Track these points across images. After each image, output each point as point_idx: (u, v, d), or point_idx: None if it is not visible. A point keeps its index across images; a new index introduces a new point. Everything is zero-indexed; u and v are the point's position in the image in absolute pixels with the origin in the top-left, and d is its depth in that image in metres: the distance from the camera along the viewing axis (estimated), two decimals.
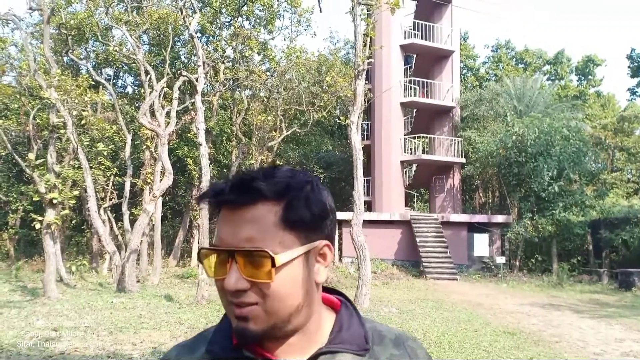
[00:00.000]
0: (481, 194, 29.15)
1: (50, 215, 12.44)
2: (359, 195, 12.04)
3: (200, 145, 12.83)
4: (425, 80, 24.55)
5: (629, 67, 29.64)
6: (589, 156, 21.59)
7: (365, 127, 25.12)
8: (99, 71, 22.39)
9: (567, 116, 22.07)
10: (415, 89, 24.52)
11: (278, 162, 23.08)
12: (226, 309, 0.82)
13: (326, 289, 0.97)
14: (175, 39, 21.54)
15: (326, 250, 0.85)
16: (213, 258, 0.79)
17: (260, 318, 0.77)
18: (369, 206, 22.93)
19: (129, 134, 17.70)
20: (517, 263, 20.20)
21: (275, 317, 0.79)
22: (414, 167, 26.69)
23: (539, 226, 19.89)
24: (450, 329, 8.93)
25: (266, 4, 21.65)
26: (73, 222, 21.09)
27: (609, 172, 27.79)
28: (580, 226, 19.19)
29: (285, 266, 0.78)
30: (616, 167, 29.16)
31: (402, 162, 23.52)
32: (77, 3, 18.97)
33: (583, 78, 39.93)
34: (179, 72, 17.26)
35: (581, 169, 20.93)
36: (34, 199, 13.97)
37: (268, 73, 23.04)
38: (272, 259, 0.76)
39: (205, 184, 12.48)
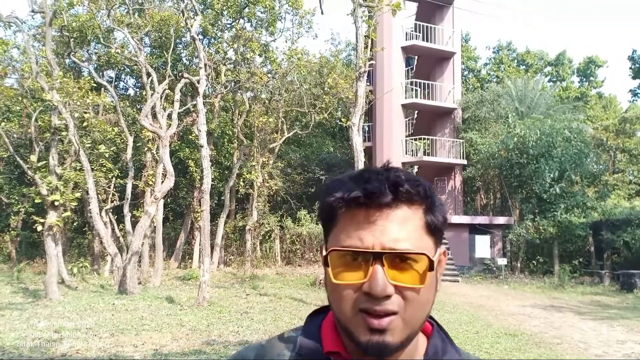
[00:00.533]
0: (482, 196, 29.13)
1: (52, 217, 12.46)
2: None
3: (202, 147, 12.85)
4: (426, 81, 24.56)
5: (630, 68, 29.62)
6: (591, 158, 21.58)
7: (367, 128, 25.13)
8: (100, 73, 22.43)
9: (569, 117, 22.06)
10: (416, 90, 24.54)
11: (279, 164, 23.11)
12: (351, 320, 0.73)
13: None
14: (177, 41, 21.57)
15: (443, 257, 0.82)
16: (348, 260, 0.73)
17: (398, 329, 0.72)
18: None
19: (131, 136, 17.72)
20: (519, 265, 20.18)
21: (411, 328, 0.74)
22: (416, 168, 26.68)
23: (541, 228, 19.88)
24: (451, 331, 8.92)
25: (268, 6, 21.68)
26: (75, 224, 21.10)
27: (611, 173, 27.75)
28: (582, 228, 19.17)
29: (432, 270, 0.75)
30: (618, 169, 29.11)
31: (403, 164, 23.50)
32: (79, 5, 18.99)
33: (584, 79, 39.93)
34: (180, 74, 17.28)
35: (583, 170, 20.92)
36: (36, 201, 14.00)
37: (269, 75, 23.06)
38: (431, 262, 0.74)
39: (206, 186, 12.49)
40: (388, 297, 0.71)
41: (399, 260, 0.72)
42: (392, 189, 0.74)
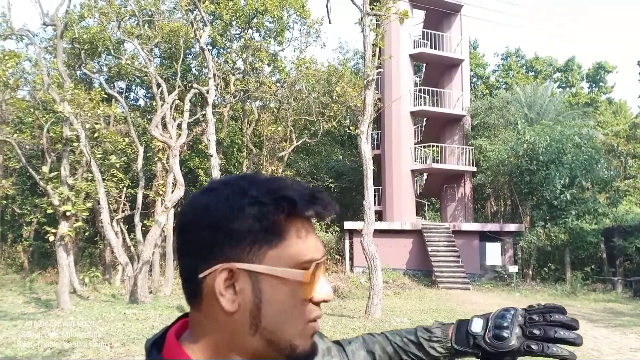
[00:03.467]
0: (493, 203, 28.98)
1: (64, 227, 12.57)
2: (369, 204, 12.05)
3: (211, 156, 12.93)
4: (435, 89, 24.56)
5: None
6: (601, 163, 21.40)
7: (376, 136, 25.14)
8: (111, 84, 22.68)
9: (579, 123, 21.94)
10: (425, 98, 24.54)
11: (288, 172, 23.16)
12: (300, 334, 0.73)
13: None
14: (186, 51, 21.76)
15: None
16: (317, 272, 0.73)
17: None
18: (379, 216, 22.89)
19: (141, 146, 17.86)
20: (530, 272, 20.03)
21: None
22: (425, 176, 26.63)
23: (552, 234, 19.73)
24: None
25: (276, 15, 21.83)
26: (86, 233, 21.23)
27: (622, 179, 27.51)
28: (594, 234, 19.00)
29: None
30: (629, 175, 28.86)
31: (412, 171, 23.49)
32: (89, 18, 19.26)
33: (594, 85, 39.70)
34: (190, 84, 17.43)
35: (593, 176, 20.76)
36: (48, 211, 14.17)
37: (278, 84, 23.20)
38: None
39: None
40: None
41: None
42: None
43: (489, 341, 0.98)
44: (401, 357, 1.07)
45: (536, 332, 0.94)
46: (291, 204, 0.71)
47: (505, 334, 0.96)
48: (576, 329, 0.96)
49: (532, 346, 0.94)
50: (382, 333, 1.13)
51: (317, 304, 0.74)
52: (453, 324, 1.08)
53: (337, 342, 1.03)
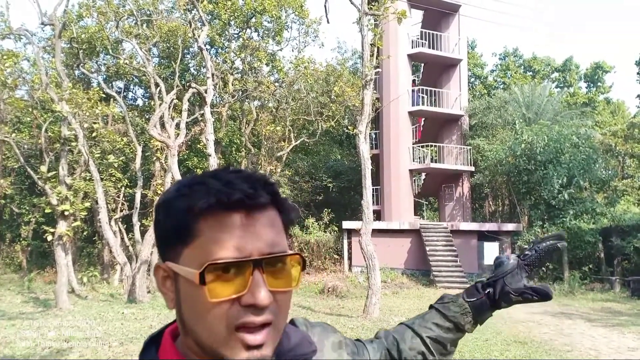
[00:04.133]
0: (491, 202, 29.01)
1: (62, 226, 12.57)
2: (367, 204, 12.06)
3: (210, 156, 12.94)
4: (433, 89, 24.58)
5: (638, 73, 29.46)
6: (599, 163, 21.42)
7: (374, 136, 25.15)
8: (109, 84, 22.67)
9: (577, 123, 21.96)
10: (423, 97, 24.55)
11: (287, 172, 23.18)
12: (225, 342, 0.66)
13: None
14: (185, 51, 21.75)
15: None
16: (222, 274, 0.65)
17: (272, 340, 0.68)
18: (378, 215, 22.90)
19: (140, 145, 17.85)
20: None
21: (279, 334, 0.70)
22: (423, 175, 26.65)
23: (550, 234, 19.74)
24: (460, 339, 8.88)
25: (274, 15, 21.83)
26: (84, 233, 21.23)
27: (620, 179, 27.56)
28: (591, 234, 19.03)
29: (304, 269, 0.73)
30: (627, 174, 28.91)
31: (410, 171, 23.50)
32: (88, 17, 19.24)
33: (592, 85, 39.76)
34: (188, 84, 17.43)
35: (591, 176, 20.78)
36: (46, 210, 14.16)
37: (276, 84, 23.20)
38: (304, 261, 0.71)
39: None
40: (265, 307, 0.66)
41: (274, 265, 0.68)
42: (265, 189, 0.70)
43: (493, 274, 1.12)
44: (422, 336, 1.07)
45: (526, 246, 1.15)
46: (196, 198, 0.67)
47: (503, 260, 1.13)
48: (562, 237, 1.20)
49: (527, 252, 1.15)
50: (399, 324, 1.14)
51: (248, 307, 0.65)
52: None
53: (359, 340, 1.03)
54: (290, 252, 0.70)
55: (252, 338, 0.65)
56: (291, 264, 0.70)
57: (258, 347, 0.65)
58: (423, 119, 26.35)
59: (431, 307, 1.14)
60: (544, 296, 1.08)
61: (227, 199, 0.66)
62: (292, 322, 0.90)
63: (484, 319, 1.12)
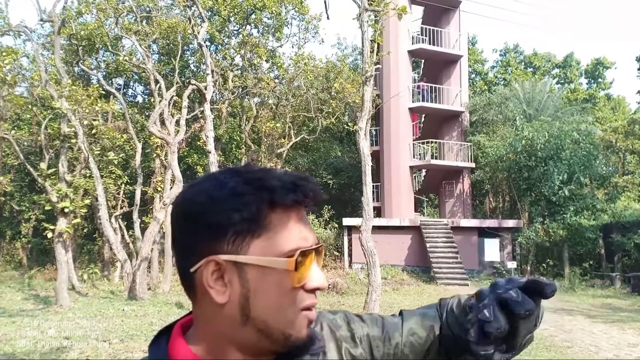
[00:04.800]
0: (491, 199, 29.00)
1: (62, 224, 12.55)
2: (368, 201, 12.04)
3: (210, 153, 12.90)
4: (433, 85, 24.54)
5: (638, 69, 29.43)
6: (600, 159, 21.41)
7: (374, 133, 25.12)
8: (109, 81, 22.62)
9: (577, 119, 21.92)
10: (421, 93, 24.50)
11: (287, 168, 23.16)
12: (293, 323, 0.73)
13: None
14: (184, 47, 21.72)
15: None
16: (302, 260, 0.72)
17: None
18: (378, 212, 22.89)
19: (139, 142, 17.84)
20: (529, 268, 20.05)
21: None
22: (423, 172, 26.62)
23: (550, 230, 19.74)
24: None
25: (274, 12, 21.79)
26: (85, 230, 21.24)
27: (620, 175, 27.56)
28: (592, 230, 19.02)
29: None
30: (627, 170, 28.92)
31: (411, 168, 23.48)
32: (87, 14, 19.21)
33: (593, 81, 39.70)
34: (188, 80, 17.39)
35: (592, 172, 20.76)
36: (46, 208, 14.15)
37: (276, 80, 23.17)
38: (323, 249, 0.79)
39: None
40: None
41: (319, 253, 0.77)
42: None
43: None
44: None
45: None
46: (270, 193, 0.71)
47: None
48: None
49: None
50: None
51: (310, 291, 0.74)
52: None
53: (360, 318, 0.97)
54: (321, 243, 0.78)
55: (312, 314, 0.75)
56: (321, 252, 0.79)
57: (311, 322, 0.75)
58: (418, 118, 26.30)
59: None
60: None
61: (303, 198, 0.72)
62: None
63: None
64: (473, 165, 24.12)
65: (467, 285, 17.74)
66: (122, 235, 18.12)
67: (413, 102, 23.77)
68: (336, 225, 21.78)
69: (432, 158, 24.63)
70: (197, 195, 0.74)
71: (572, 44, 75.51)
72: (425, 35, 24.61)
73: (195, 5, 15.68)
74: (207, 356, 0.74)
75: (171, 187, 14.94)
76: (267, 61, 23.40)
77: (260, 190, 0.71)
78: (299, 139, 21.95)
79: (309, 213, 0.83)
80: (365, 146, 12.25)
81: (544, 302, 0.84)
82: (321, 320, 0.91)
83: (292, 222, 0.73)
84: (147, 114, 22.32)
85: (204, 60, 16.00)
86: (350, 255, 20.83)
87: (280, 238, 0.71)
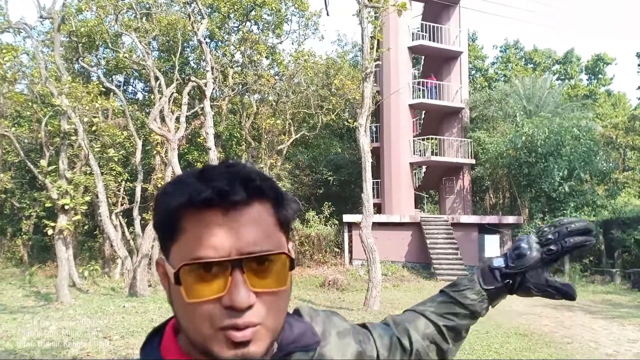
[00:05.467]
0: (491, 195, 29.00)
1: (63, 221, 12.57)
2: (368, 197, 12.05)
3: (210, 149, 12.91)
4: (428, 80, 24.51)
5: (639, 65, 29.39)
6: (600, 156, 21.40)
7: (374, 129, 25.11)
8: (109, 78, 22.62)
9: (578, 116, 21.89)
10: (423, 90, 24.49)
11: (287, 165, 23.17)
12: (210, 339, 0.65)
13: None
14: (184, 44, 21.68)
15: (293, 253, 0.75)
16: (202, 273, 0.64)
17: (262, 337, 0.66)
18: (378, 208, 22.90)
19: (140, 139, 17.83)
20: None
21: (274, 333, 0.68)
22: (424, 168, 26.62)
23: None
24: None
25: (274, 8, 21.74)
26: (85, 227, 21.24)
27: (621, 171, 27.54)
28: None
29: (293, 269, 0.70)
30: (628, 167, 28.90)
31: (411, 164, 23.48)
32: (87, 11, 19.17)
33: (593, 77, 39.66)
34: (188, 77, 17.40)
35: (592, 168, 20.76)
36: (47, 205, 14.14)
37: (276, 77, 23.14)
38: (292, 260, 0.69)
39: None
40: (250, 307, 0.64)
41: (258, 264, 0.65)
42: (243, 185, 0.67)
43: (513, 264, 1.02)
44: (437, 324, 1.03)
45: (551, 237, 1.01)
46: (184, 194, 0.66)
47: (525, 251, 1.01)
48: (590, 231, 1.03)
49: (552, 247, 1.00)
50: (406, 311, 1.10)
51: (229, 309, 0.64)
52: (475, 272, 1.09)
53: (364, 326, 0.99)
54: (275, 251, 0.67)
55: (239, 335, 0.63)
56: (276, 263, 0.67)
57: (244, 344, 0.64)
58: (417, 115, 26.28)
59: (443, 292, 1.09)
60: (566, 296, 1.01)
61: (197, 197, 0.64)
62: (297, 311, 0.89)
63: (497, 304, 1.09)
64: (473, 161, 24.11)
65: None
66: (123, 232, 18.14)
67: (413, 98, 23.76)
68: (336, 222, 21.79)
69: (432, 154, 24.63)
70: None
71: (573, 40, 75.41)
72: (426, 32, 24.58)
73: (195, 2, 15.67)
74: (197, 356, 0.69)
75: None
76: (267, 58, 23.37)
77: (171, 193, 0.67)
78: (299, 135, 21.94)
79: (290, 219, 0.73)
80: (365, 143, 12.26)
81: (545, 301, 0.95)
82: (316, 318, 0.90)
83: (202, 227, 0.65)
84: (147, 111, 22.31)
85: (204, 57, 15.97)
86: (350, 251, 20.85)
87: (188, 245, 0.65)
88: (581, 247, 1.02)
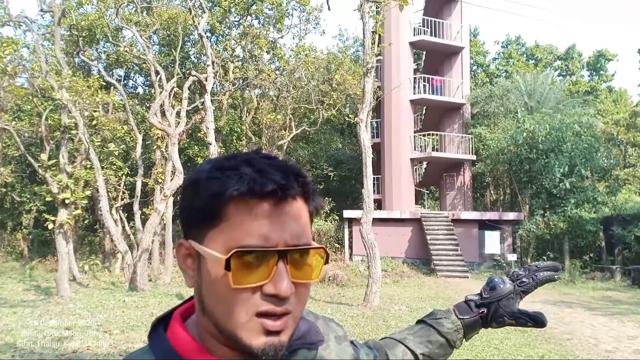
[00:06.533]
0: (492, 191, 28.99)
1: (63, 215, 12.57)
2: (368, 193, 12.04)
3: (210, 144, 12.89)
4: (435, 77, 24.46)
5: None
6: (601, 152, 21.38)
7: (375, 125, 25.08)
8: (109, 72, 22.57)
9: (579, 112, 21.86)
10: (425, 86, 24.44)
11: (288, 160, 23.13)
12: (243, 326, 0.66)
13: None
14: (185, 38, 21.63)
15: None
16: (249, 261, 0.65)
17: (290, 327, 0.68)
18: (379, 204, 22.89)
19: (140, 134, 17.81)
20: (529, 260, 20.06)
21: (296, 323, 0.71)
22: (424, 164, 26.60)
23: (551, 223, 19.76)
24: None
25: (275, 2, 21.70)
26: (85, 221, 21.27)
27: (621, 168, 27.52)
28: (592, 223, 19.02)
29: (327, 263, 0.73)
30: (629, 163, 28.86)
31: (412, 160, 23.46)
32: (87, 4, 19.11)
33: (594, 73, 39.59)
34: (188, 71, 17.33)
35: (593, 165, 20.74)
36: (47, 199, 14.13)
37: (277, 72, 23.10)
38: (327, 256, 0.72)
39: None
40: (287, 297, 0.66)
41: (299, 256, 0.68)
42: (296, 180, 0.69)
43: (487, 295, 1.13)
44: (415, 352, 1.09)
45: (522, 273, 1.16)
46: (229, 182, 0.66)
47: (499, 284, 1.14)
48: (557, 269, 1.18)
49: (523, 279, 1.15)
50: (384, 338, 1.14)
51: (270, 297, 0.66)
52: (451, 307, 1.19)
53: (352, 342, 1.00)
54: (316, 245, 0.70)
55: (272, 324, 0.66)
56: (314, 256, 0.70)
57: (277, 333, 0.66)
58: (417, 111, 26.24)
59: (421, 321, 1.16)
60: (538, 323, 1.10)
61: (260, 190, 0.66)
62: None
63: (472, 336, 1.16)
64: (474, 157, 24.08)
65: (467, 277, 17.77)
66: (123, 227, 18.15)
67: (414, 93, 23.71)
68: (337, 218, 21.80)
69: (433, 150, 24.60)
70: (187, 177, 0.74)
71: (574, 36, 75.21)
72: (427, 27, 24.50)
73: None
74: (214, 344, 0.71)
75: (172, 179, 14.92)
76: (267, 52, 23.33)
77: (222, 180, 0.67)
78: (299, 130, 21.91)
79: (317, 215, 0.75)
80: (366, 138, 12.23)
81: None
82: (316, 321, 0.91)
83: (252, 216, 0.66)
84: (147, 105, 22.27)
85: (204, 51, 15.93)
86: (350, 247, 20.86)
87: (234, 232, 0.66)
88: (549, 281, 1.16)
